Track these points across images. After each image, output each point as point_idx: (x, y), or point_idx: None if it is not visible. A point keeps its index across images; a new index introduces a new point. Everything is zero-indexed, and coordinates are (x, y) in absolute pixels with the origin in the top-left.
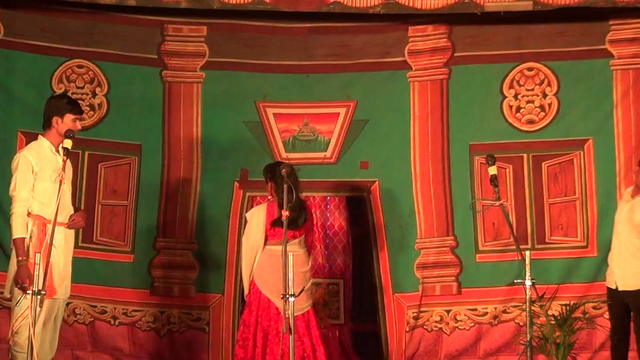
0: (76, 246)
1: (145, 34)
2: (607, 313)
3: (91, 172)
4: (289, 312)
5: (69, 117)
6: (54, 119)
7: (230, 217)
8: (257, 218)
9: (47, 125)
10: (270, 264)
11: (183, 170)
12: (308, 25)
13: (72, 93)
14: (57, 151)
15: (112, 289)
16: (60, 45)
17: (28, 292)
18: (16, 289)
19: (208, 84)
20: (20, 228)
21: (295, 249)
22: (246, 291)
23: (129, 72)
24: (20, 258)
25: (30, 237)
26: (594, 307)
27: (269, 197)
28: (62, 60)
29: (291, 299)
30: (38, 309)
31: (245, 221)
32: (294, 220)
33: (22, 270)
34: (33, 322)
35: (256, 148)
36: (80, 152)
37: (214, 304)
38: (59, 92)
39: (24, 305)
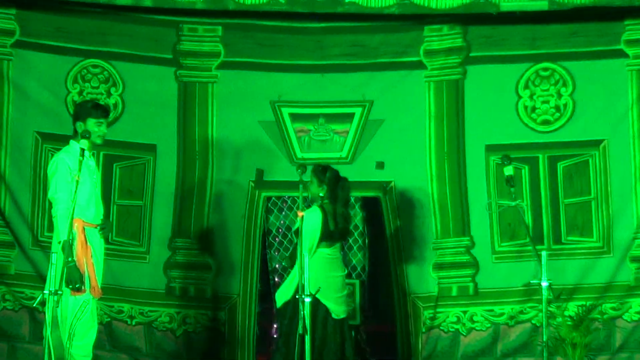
0: None
1: (160, 34)
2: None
3: (106, 172)
4: (305, 312)
5: (91, 122)
6: (77, 124)
7: (246, 218)
8: (313, 224)
9: (74, 130)
10: (321, 266)
11: (198, 170)
12: (323, 24)
13: (87, 93)
14: (90, 155)
15: (128, 289)
16: (76, 45)
17: (81, 292)
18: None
19: (223, 84)
20: (64, 230)
21: (336, 254)
22: (286, 298)
23: (144, 72)
24: (68, 259)
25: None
26: (612, 308)
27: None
28: (77, 60)
29: (307, 299)
30: (88, 310)
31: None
32: (346, 233)
33: (72, 271)
34: (50, 322)
35: (271, 148)
36: (95, 152)
37: (230, 304)
38: (73, 92)
39: (74, 306)
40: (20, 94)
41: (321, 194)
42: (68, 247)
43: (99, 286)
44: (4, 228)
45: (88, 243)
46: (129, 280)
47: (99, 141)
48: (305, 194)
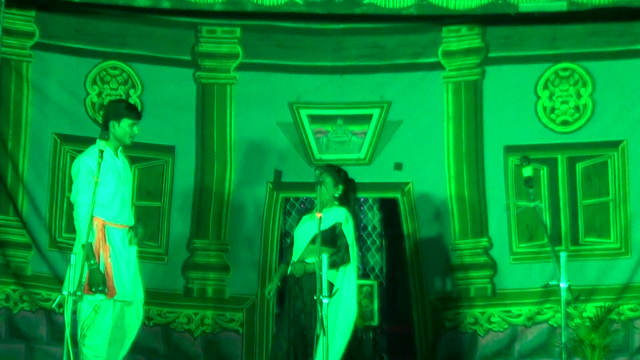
0: None
1: (179, 36)
2: None
3: None
4: (323, 313)
5: (126, 122)
6: (111, 123)
7: (264, 219)
8: (352, 230)
9: (105, 129)
10: None
11: (216, 171)
12: (342, 26)
13: (107, 95)
14: (116, 154)
15: (147, 290)
16: (95, 47)
17: (101, 294)
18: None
19: (241, 85)
20: (84, 232)
21: None
22: None
23: (163, 74)
24: (91, 262)
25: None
26: (630, 309)
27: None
28: (97, 62)
29: (325, 300)
30: (101, 310)
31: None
32: None
33: (94, 274)
34: (69, 323)
35: (290, 149)
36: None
37: (248, 305)
38: (92, 93)
39: (87, 307)
40: (40, 95)
41: (336, 195)
42: (89, 250)
43: (142, 290)
44: (21, 229)
45: (107, 243)
46: (147, 281)
47: (129, 142)
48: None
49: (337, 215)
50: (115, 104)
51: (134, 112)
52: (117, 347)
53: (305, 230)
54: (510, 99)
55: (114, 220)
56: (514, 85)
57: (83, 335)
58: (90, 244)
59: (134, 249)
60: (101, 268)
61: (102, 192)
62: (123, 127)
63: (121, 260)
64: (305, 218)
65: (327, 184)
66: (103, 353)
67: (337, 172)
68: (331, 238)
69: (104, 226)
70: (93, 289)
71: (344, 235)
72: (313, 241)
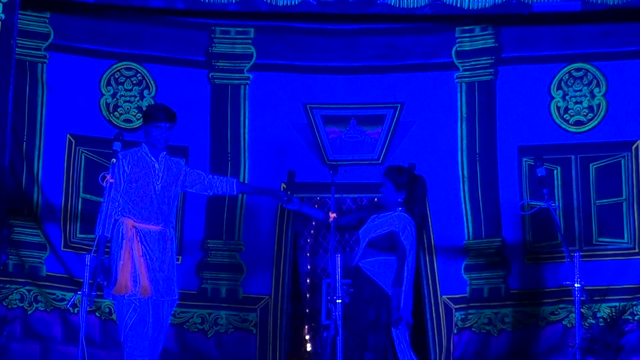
0: None
1: (193, 37)
2: None
3: None
4: (337, 314)
5: (154, 127)
6: (144, 127)
7: (278, 219)
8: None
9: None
10: None
11: (230, 172)
12: (355, 26)
13: (121, 95)
14: (157, 156)
15: None
16: (109, 48)
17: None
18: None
19: (255, 86)
20: (99, 226)
21: None
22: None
23: (177, 75)
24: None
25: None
26: None
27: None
28: (111, 63)
29: (339, 301)
30: (138, 309)
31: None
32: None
33: (98, 266)
34: (85, 323)
35: (303, 150)
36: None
37: (262, 305)
38: (107, 94)
39: (126, 307)
40: (54, 96)
41: (400, 200)
42: (98, 243)
43: (177, 290)
44: (36, 230)
45: (140, 243)
46: None
47: (161, 146)
48: (337, 195)
49: (394, 223)
50: (147, 109)
51: (163, 117)
52: (154, 346)
53: (365, 232)
54: (523, 99)
55: (142, 221)
56: (527, 86)
57: (127, 335)
58: (103, 238)
59: (170, 250)
60: (136, 266)
61: (131, 191)
62: (153, 132)
63: (155, 260)
64: (371, 218)
65: (387, 187)
66: (145, 351)
67: (399, 174)
68: (387, 245)
69: (133, 226)
70: (91, 280)
71: (400, 246)
72: (370, 244)
